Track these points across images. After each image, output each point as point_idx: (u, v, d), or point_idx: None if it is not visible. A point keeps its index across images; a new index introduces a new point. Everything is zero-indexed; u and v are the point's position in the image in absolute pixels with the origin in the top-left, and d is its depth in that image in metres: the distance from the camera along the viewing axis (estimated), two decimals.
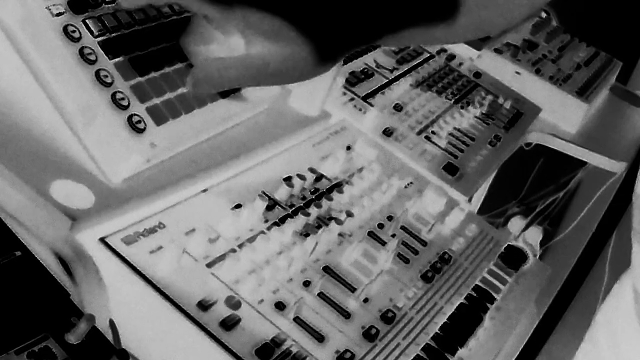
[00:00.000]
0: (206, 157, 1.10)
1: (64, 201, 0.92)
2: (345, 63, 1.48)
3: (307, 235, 1.07)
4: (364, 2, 0.89)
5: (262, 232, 1.04)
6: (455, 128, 1.54)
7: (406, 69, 1.65)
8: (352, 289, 1.05)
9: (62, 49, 0.95)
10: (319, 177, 1.19)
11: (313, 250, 1.06)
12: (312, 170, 1.19)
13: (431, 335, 1.06)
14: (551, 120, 1.82)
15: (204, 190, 1.08)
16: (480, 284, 1.20)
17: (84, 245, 0.92)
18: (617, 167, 1.87)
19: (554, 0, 1.97)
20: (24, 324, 0.79)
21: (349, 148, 1.30)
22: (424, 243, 1.21)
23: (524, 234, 2.54)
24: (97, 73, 0.97)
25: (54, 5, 0.96)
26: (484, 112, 1.65)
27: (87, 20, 0.99)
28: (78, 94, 0.96)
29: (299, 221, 1.08)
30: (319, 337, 0.96)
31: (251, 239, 1.02)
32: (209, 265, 0.96)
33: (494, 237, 1.31)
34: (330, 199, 1.15)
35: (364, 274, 1.08)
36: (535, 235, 2.52)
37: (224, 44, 0.96)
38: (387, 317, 1.04)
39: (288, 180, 1.14)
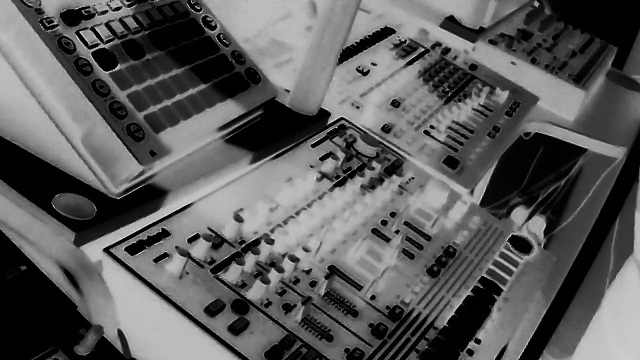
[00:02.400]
0: (206, 162, 1.10)
1: (67, 214, 0.92)
2: (341, 62, 1.48)
3: (310, 235, 1.07)
4: None
5: (266, 234, 1.04)
6: (453, 121, 1.54)
7: (402, 64, 1.65)
8: (359, 287, 1.05)
9: (57, 61, 0.95)
10: (320, 177, 1.19)
11: (318, 250, 1.06)
12: (312, 170, 1.19)
13: (440, 329, 1.06)
14: (549, 109, 1.82)
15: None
16: (486, 276, 1.20)
17: (88, 257, 0.92)
18: (617, 152, 1.87)
19: None
20: (33, 338, 0.78)
21: (348, 146, 1.30)
22: (428, 238, 1.21)
23: (527, 223, 2.54)
24: (93, 83, 0.97)
25: (47, 18, 0.96)
26: (481, 103, 1.64)
27: (80, 32, 0.99)
28: (75, 106, 0.96)
29: (303, 222, 1.08)
30: (328, 337, 0.96)
31: (255, 243, 1.02)
32: (214, 271, 0.96)
33: (498, 228, 1.31)
34: (333, 199, 1.15)
35: (370, 271, 1.08)
36: (538, 224, 2.52)
37: None
38: (395, 314, 1.04)
39: (290, 181, 1.14)
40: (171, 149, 1.02)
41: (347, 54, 1.57)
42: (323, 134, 1.30)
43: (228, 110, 1.12)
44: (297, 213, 1.10)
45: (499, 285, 1.19)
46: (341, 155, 1.24)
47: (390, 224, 1.19)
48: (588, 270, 2.21)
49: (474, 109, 1.61)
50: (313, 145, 1.26)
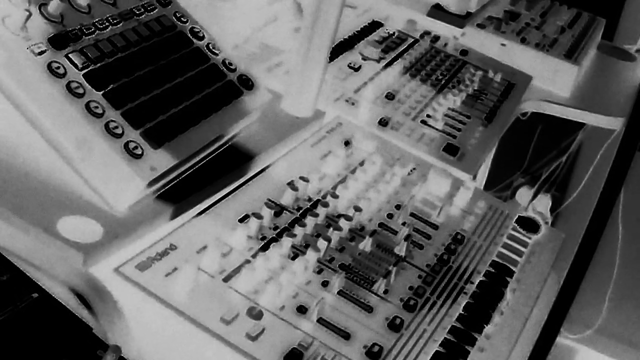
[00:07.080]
0: (207, 173, 1.10)
1: (73, 237, 0.92)
2: (332, 59, 1.48)
3: (318, 235, 1.07)
4: None
5: (274, 239, 1.04)
6: (449, 108, 1.54)
7: (393, 56, 1.65)
8: (371, 283, 1.05)
9: (49, 86, 0.95)
10: (322, 177, 1.19)
11: (326, 250, 1.06)
12: (313, 170, 1.19)
13: (455, 317, 1.06)
14: (544, 87, 1.81)
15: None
16: (497, 259, 1.20)
17: (98, 278, 0.92)
18: (615, 123, 1.87)
19: None
20: None
21: (347, 144, 1.30)
22: (435, 227, 1.21)
23: (532, 203, 2.53)
24: (87, 105, 0.97)
25: (35, 44, 0.96)
26: (475, 88, 1.64)
27: (69, 55, 0.99)
28: (71, 129, 0.96)
29: (309, 223, 1.08)
30: (345, 335, 0.96)
31: (264, 248, 1.02)
32: (225, 280, 0.96)
33: (504, 210, 1.31)
34: (336, 197, 1.15)
35: (381, 266, 1.08)
36: (544, 203, 2.51)
37: None
38: (409, 305, 1.04)
39: (291, 184, 1.14)
40: (171, 162, 1.02)
41: (337, 51, 1.57)
42: (321, 134, 1.30)
43: (224, 119, 1.12)
44: (303, 215, 1.10)
45: (510, 267, 1.19)
46: (341, 153, 1.24)
47: (397, 216, 1.18)
48: (598, 244, 2.21)
49: (468, 94, 1.61)
50: (312, 146, 1.26)
